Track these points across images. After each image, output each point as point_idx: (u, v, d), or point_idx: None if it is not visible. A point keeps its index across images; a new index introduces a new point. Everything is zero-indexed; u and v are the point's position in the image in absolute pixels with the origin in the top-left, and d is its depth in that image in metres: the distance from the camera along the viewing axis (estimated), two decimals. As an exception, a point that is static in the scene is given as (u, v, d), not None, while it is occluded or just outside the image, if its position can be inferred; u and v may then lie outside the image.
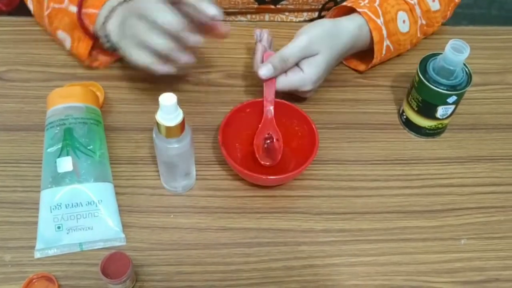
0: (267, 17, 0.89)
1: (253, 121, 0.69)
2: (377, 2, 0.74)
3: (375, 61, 0.75)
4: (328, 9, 0.89)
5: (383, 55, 0.76)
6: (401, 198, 0.67)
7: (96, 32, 0.70)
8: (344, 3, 0.76)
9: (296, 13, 0.89)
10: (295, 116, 0.68)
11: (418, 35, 0.78)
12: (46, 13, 0.73)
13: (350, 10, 0.74)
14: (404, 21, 0.75)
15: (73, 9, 0.69)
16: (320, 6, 0.88)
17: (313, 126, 0.66)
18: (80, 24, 0.70)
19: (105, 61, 0.76)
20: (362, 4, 0.74)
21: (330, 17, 0.79)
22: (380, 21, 0.73)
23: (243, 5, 0.85)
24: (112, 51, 0.71)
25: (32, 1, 0.77)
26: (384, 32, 0.73)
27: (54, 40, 0.80)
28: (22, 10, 0.80)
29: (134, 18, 0.63)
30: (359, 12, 0.73)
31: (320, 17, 0.90)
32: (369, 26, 0.72)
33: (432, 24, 0.79)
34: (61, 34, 0.73)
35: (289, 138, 0.69)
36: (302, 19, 0.90)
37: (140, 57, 0.63)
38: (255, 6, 0.86)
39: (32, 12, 0.79)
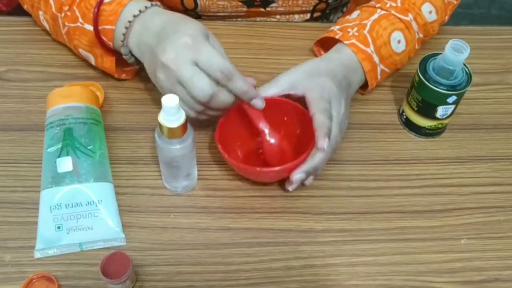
0: (258, 20, 0.88)
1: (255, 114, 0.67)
2: (367, 28, 0.72)
3: (370, 88, 0.74)
4: (319, 11, 0.88)
5: (379, 79, 0.74)
6: (401, 198, 0.67)
7: (117, 48, 0.68)
8: (333, 29, 0.74)
9: (287, 16, 0.87)
10: (294, 113, 0.67)
11: (416, 47, 0.76)
12: (63, 31, 0.72)
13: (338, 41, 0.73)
14: (399, 41, 0.72)
15: (88, 27, 0.68)
16: (311, 8, 0.87)
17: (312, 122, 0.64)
18: (100, 42, 0.68)
19: (130, 72, 0.76)
20: (350, 33, 0.71)
21: (317, 45, 0.79)
22: (370, 50, 0.71)
23: (232, 8, 0.84)
24: (137, 64, 0.70)
25: (46, 21, 0.75)
26: (376, 59, 0.71)
27: (54, 40, 0.80)
28: (22, 10, 0.80)
29: (161, 72, 0.61)
30: (346, 46, 0.71)
31: (312, 18, 0.89)
32: (357, 58, 0.70)
33: (429, 33, 0.77)
34: (83, 52, 0.73)
35: (288, 136, 0.68)
36: (293, 21, 0.89)
37: None
38: (244, 9, 0.85)
39: (48, 31, 0.77)
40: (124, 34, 0.66)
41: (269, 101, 0.65)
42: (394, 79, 0.80)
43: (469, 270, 0.62)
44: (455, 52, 0.64)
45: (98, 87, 0.74)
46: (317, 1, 0.85)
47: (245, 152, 0.68)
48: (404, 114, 0.73)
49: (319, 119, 0.62)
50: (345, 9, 0.95)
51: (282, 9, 0.85)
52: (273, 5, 0.84)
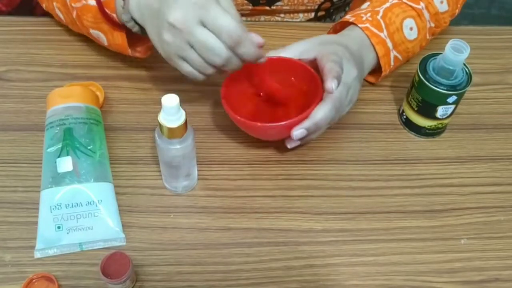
0: (262, 19, 0.88)
1: (262, 76, 0.67)
2: (381, 14, 0.72)
3: (384, 74, 0.74)
4: (324, 10, 0.88)
5: (391, 67, 0.74)
6: (401, 198, 0.67)
7: (120, 18, 0.66)
8: (346, 17, 0.75)
9: (292, 15, 0.88)
10: (303, 74, 0.67)
11: (428, 37, 0.76)
12: (74, 16, 0.70)
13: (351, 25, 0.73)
14: (411, 28, 0.73)
15: (92, 2, 0.66)
16: (316, 7, 0.87)
17: (318, 80, 0.64)
18: (104, 16, 0.66)
19: (143, 50, 0.72)
20: (364, 18, 0.72)
21: (330, 33, 0.78)
22: (383, 34, 0.71)
23: (237, 7, 0.84)
24: (142, 34, 0.66)
25: (60, 10, 0.74)
26: (390, 44, 0.72)
27: (54, 40, 0.80)
28: (22, 10, 0.80)
29: (168, 33, 0.58)
30: (360, 28, 0.72)
31: (316, 17, 0.90)
32: (371, 41, 0.71)
33: (440, 24, 0.78)
34: (94, 32, 0.70)
35: (296, 96, 0.68)
36: (298, 20, 0.89)
37: (183, 67, 0.61)
38: (250, 7, 0.85)
39: (64, 22, 0.76)
40: (122, 7, 0.64)
41: (277, 61, 0.65)
42: (394, 79, 0.80)
43: (469, 270, 0.62)
44: (455, 52, 0.64)
45: (98, 87, 0.74)
46: (322, 0, 0.85)
47: (250, 111, 0.68)
48: (404, 114, 0.73)
49: (329, 66, 0.62)
50: (347, 8, 0.95)
51: (287, 7, 0.85)
52: (278, 3, 0.84)
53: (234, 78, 0.65)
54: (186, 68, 0.61)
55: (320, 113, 0.62)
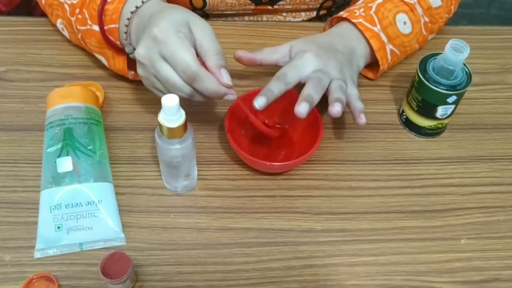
0: (264, 18, 0.89)
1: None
2: (373, 9, 0.73)
3: (382, 68, 0.75)
4: (326, 8, 0.89)
5: (389, 61, 0.75)
6: (401, 198, 0.67)
7: (123, 47, 0.68)
8: (340, 13, 0.75)
9: (294, 14, 0.88)
10: (293, 100, 0.67)
11: (424, 33, 0.77)
12: (79, 37, 0.72)
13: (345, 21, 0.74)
14: (404, 23, 0.74)
15: (96, 28, 0.67)
16: (318, 6, 0.87)
17: (318, 114, 0.67)
18: (107, 42, 0.68)
19: None
20: (357, 13, 0.73)
21: (324, 30, 0.79)
22: (377, 28, 0.72)
23: (240, 6, 0.84)
24: None
25: (65, 28, 0.75)
26: (384, 38, 0.72)
27: (53, 40, 0.80)
28: (21, 10, 0.80)
29: (139, 67, 0.61)
30: (353, 23, 0.72)
31: (318, 16, 0.90)
32: (366, 36, 0.71)
33: (436, 20, 0.78)
34: (97, 56, 0.73)
35: (293, 126, 0.70)
36: (300, 19, 0.89)
37: (160, 96, 0.61)
38: (252, 7, 0.85)
39: (69, 39, 0.77)
40: (126, 33, 0.66)
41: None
42: (394, 79, 0.80)
43: (469, 270, 0.62)
44: (455, 52, 0.64)
45: (98, 87, 0.74)
46: None
47: (249, 141, 0.70)
48: (404, 114, 0.73)
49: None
50: (348, 7, 0.95)
51: (289, 6, 0.86)
52: (280, 2, 0.85)
53: (236, 110, 0.66)
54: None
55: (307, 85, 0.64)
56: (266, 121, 0.68)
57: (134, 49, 0.66)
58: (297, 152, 0.68)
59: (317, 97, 0.63)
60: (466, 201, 0.67)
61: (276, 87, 0.63)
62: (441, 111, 0.69)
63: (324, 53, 0.67)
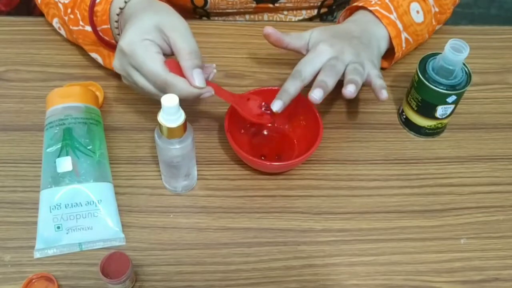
0: (265, 16, 0.89)
1: (260, 107, 0.69)
2: None
3: (397, 55, 0.75)
4: (327, 7, 0.89)
5: (403, 48, 0.75)
6: (401, 197, 0.67)
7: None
8: (356, 3, 0.76)
9: (295, 12, 0.88)
10: (299, 104, 0.68)
11: (433, 23, 0.78)
12: (74, 36, 0.72)
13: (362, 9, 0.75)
14: (417, 12, 0.75)
15: (89, 29, 0.68)
16: (319, 4, 0.87)
17: (317, 114, 0.67)
18: (102, 41, 0.68)
19: None
20: (373, 2, 0.74)
21: (341, 20, 0.79)
22: (393, 16, 0.73)
23: (241, 5, 0.84)
24: None
25: (61, 26, 0.76)
26: (400, 25, 0.73)
27: (53, 40, 0.80)
28: (21, 10, 0.80)
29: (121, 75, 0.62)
30: (370, 11, 0.73)
31: (319, 14, 0.90)
32: (383, 23, 0.72)
33: (445, 11, 0.79)
34: (92, 54, 0.73)
35: (293, 126, 0.70)
36: (301, 17, 0.89)
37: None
38: (253, 5, 0.85)
39: (66, 37, 0.78)
40: (118, 34, 0.66)
41: (275, 92, 0.66)
42: (393, 79, 0.80)
43: (468, 269, 0.62)
44: (455, 51, 0.64)
45: (97, 87, 0.74)
46: None
47: (249, 140, 0.70)
48: (403, 113, 0.73)
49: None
50: (348, 5, 0.95)
51: (290, 5, 0.86)
52: (282, 1, 0.85)
53: (235, 110, 0.66)
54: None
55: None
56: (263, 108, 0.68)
57: None
58: (297, 152, 0.68)
59: (331, 83, 0.63)
60: (466, 200, 0.67)
61: (292, 85, 0.64)
62: (440, 111, 0.69)
63: (338, 41, 0.68)
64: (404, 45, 0.75)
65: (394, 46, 0.73)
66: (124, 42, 0.59)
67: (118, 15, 0.65)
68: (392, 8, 0.73)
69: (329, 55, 0.66)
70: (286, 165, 0.66)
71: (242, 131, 0.69)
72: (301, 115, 0.69)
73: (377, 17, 0.73)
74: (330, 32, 0.70)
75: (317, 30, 0.71)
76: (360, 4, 0.75)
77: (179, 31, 0.60)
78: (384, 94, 0.65)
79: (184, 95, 0.59)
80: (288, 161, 0.66)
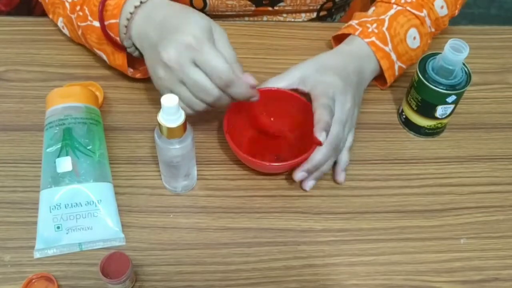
0: (265, 19, 0.89)
1: (259, 108, 0.69)
2: (386, 25, 0.72)
3: (389, 84, 0.75)
4: (326, 10, 0.88)
5: (396, 76, 0.75)
6: (401, 197, 0.67)
7: (122, 42, 0.67)
8: (352, 24, 0.74)
9: (294, 15, 0.88)
10: (298, 105, 0.68)
11: (429, 41, 0.77)
12: (79, 33, 0.72)
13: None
14: (414, 38, 0.73)
15: (96, 24, 0.67)
16: (318, 7, 0.87)
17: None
18: (107, 37, 0.67)
19: (144, 70, 0.73)
20: (370, 29, 0.72)
21: (334, 40, 0.79)
22: (388, 48, 0.72)
23: (240, 7, 0.84)
24: (143, 58, 0.67)
25: (66, 25, 0.75)
26: (394, 57, 0.72)
27: (53, 40, 0.80)
28: (21, 10, 0.80)
29: (162, 70, 0.60)
30: (366, 43, 0.71)
31: (318, 17, 0.90)
32: (377, 57, 0.71)
33: (440, 28, 0.78)
34: (97, 52, 0.72)
35: (292, 127, 0.70)
36: (300, 20, 0.89)
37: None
38: (253, 8, 0.85)
39: (69, 36, 0.78)
40: (126, 26, 0.65)
41: (272, 92, 0.67)
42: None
43: (468, 269, 0.62)
44: (455, 51, 0.64)
45: (97, 87, 0.74)
46: (325, 0, 0.85)
47: (249, 140, 0.70)
48: (403, 113, 0.73)
49: (317, 114, 0.63)
50: (347, 8, 0.95)
51: (289, 8, 0.86)
52: (281, 4, 0.85)
53: (234, 110, 0.66)
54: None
55: (318, 155, 0.63)
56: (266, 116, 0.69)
57: (134, 45, 0.67)
58: (296, 152, 0.68)
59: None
60: (466, 200, 0.67)
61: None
62: (440, 110, 0.69)
63: (345, 87, 0.67)
64: (397, 73, 0.74)
65: (387, 77, 0.73)
66: (191, 36, 0.58)
67: (136, 7, 0.64)
68: (388, 38, 0.72)
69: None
70: (285, 165, 0.66)
71: (241, 132, 0.69)
72: (300, 116, 0.69)
73: (372, 50, 0.71)
74: (330, 70, 0.68)
75: (310, 69, 0.69)
76: (356, 33, 0.72)
77: (225, 39, 0.62)
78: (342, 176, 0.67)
79: (243, 95, 0.60)
80: (287, 161, 0.66)
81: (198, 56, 0.58)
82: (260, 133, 0.71)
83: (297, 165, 0.65)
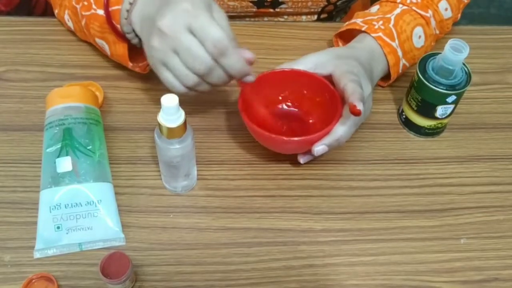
0: (265, 18, 0.89)
1: (275, 86, 0.68)
2: (392, 22, 0.72)
3: (392, 81, 0.75)
4: (327, 12, 0.88)
5: (400, 73, 0.75)
6: (401, 197, 0.67)
7: (122, 28, 0.66)
8: (357, 22, 0.74)
9: (295, 17, 0.88)
10: (317, 86, 0.67)
11: (432, 44, 0.77)
12: (83, 24, 0.71)
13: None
14: (419, 37, 0.73)
15: (100, 12, 0.67)
16: (319, 9, 0.87)
17: (336, 93, 0.65)
18: (110, 26, 0.66)
19: (144, 65, 0.73)
20: (376, 26, 0.72)
21: (336, 38, 0.79)
22: (395, 44, 0.72)
23: (242, 9, 0.84)
24: (141, 47, 0.66)
25: (70, 18, 0.75)
26: (400, 53, 0.72)
27: (53, 40, 0.80)
28: (21, 10, 0.80)
29: (156, 39, 0.58)
30: (373, 38, 0.71)
31: (319, 19, 0.90)
32: (384, 51, 0.71)
33: (444, 31, 0.78)
34: (99, 41, 0.71)
35: (309, 109, 0.69)
36: (301, 22, 0.89)
37: (164, 75, 0.60)
38: (254, 10, 0.85)
39: (73, 29, 0.77)
40: (127, 11, 0.64)
41: (289, 73, 0.66)
42: (393, 79, 0.80)
43: (468, 269, 0.62)
44: (455, 51, 0.64)
45: (97, 87, 0.74)
46: (326, 3, 0.85)
47: (264, 119, 0.67)
48: (403, 113, 0.73)
49: (351, 87, 0.62)
50: (347, 10, 0.95)
51: (291, 10, 0.86)
52: (282, 6, 0.85)
53: (250, 90, 0.65)
54: (167, 77, 0.60)
55: (342, 129, 0.63)
56: (280, 97, 0.69)
57: (134, 30, 0.66)
58: (312, 133, 0.65)
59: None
60: (466, 200, 0.67)
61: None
62: (440, 110, 0.69)
63: (364, 74, 0.67)
64: (400, 71, 0.74)
65: (391, 73, 0.73)
66: (189, 3, 0.57)
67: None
68: (395, 34, 0.72)
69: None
70: (305, 140, 0.63)
71: (257, 112, 0.67)
72: (317, 97, 0.68)
73: (379, 45, 0.71)
74: (358, 62, 0.68)
75: (324, 56, 0.68)
76: (364, 29, 0.72)
77: (224, 16, 0.60)
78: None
79: (237, 68, 0.58)
80: (306, 136, 0.63)
81: (193, 22, 0.56)
82: (275, 115, 0.69)
83: (316, 141, 0.63)
